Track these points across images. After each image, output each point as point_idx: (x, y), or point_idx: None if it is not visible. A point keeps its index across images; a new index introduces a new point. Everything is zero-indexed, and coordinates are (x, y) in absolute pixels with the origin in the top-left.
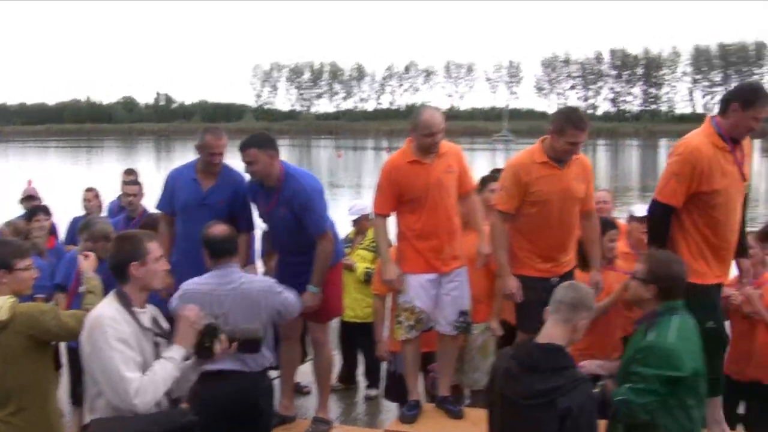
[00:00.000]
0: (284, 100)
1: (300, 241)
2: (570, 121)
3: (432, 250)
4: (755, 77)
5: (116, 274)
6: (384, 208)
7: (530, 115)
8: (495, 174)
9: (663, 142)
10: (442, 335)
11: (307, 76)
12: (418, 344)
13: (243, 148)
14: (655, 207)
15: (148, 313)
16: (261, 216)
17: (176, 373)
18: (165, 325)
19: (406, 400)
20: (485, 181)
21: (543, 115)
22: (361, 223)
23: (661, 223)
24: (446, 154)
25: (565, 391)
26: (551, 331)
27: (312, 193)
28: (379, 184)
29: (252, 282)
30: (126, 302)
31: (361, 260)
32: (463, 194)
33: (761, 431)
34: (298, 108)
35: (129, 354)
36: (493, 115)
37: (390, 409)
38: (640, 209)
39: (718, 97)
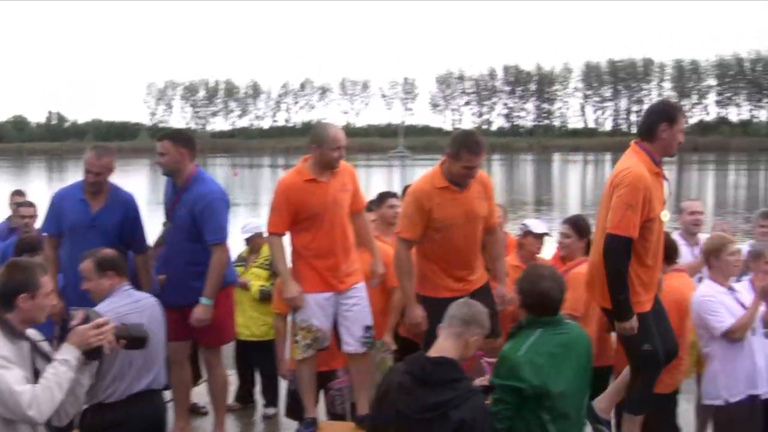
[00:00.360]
0: (179, 118)
1: (193, 249)
2: (465, 145)
3: (328, 269)
4: (643, 92)
5: (2, 301)
6: (279, 227)
7: (426, 131)
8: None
9: (556, 157)
10: (352, 355)
11: (202, 93)
12: (313, 363)
13: (159, 139)
14: (614, 241)
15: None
16: (165, 214)
17: (71, 374)
18: (47, 348)
19: None
20: (383, 197)
21: (439, 131)
22: (254, 242)
23: (622, 256)
24: (341, 172)
25: (458, 403)
26: (443, 345)
27: (217, 200)
28: (274, 203)
29: (147, 297)
30: (8, 330)
31: (255, 278)
32: (355, 212)
33: None
34: (193, 126)
35: (15, 371)
36: (389, 131)
37: (289, 428)
38: (537, 225)
39: (608, 112)
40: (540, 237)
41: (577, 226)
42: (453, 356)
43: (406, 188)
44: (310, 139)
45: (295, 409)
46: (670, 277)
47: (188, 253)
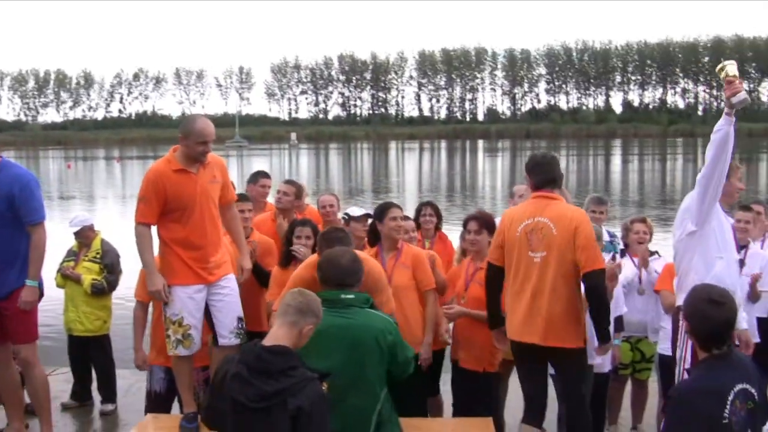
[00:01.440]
0: (8, 109)
1: (5, 236)
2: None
3: (198, 261)
4: (477, 81)
5: None
6: (148, 217)
7: (262, 120)
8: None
9: (393, 145)
10: (223, 347)
11: (31, 84)
12: (190, 359)
13: None
14: (600, 276)
15: None
16: None
17: None
18: None
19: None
20: (257, 176)
21: (275, 121)
22: (84, 235)
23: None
24: (211, 164)
25: (295, 391)
26: (278, 333)
27: (32, 181)
28: (142, 192)
29: None
30: None
31: (87, 272)
32: (224, 205)
33: None
34: (23, 118)
35: None
36: (225, 121)
37: (128, 423)
38: (355, 210)
39: (443, 101)
40: (361, 219)
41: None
42: (287, 344)
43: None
44: (179, 130)
45: (154, 410)
46: None
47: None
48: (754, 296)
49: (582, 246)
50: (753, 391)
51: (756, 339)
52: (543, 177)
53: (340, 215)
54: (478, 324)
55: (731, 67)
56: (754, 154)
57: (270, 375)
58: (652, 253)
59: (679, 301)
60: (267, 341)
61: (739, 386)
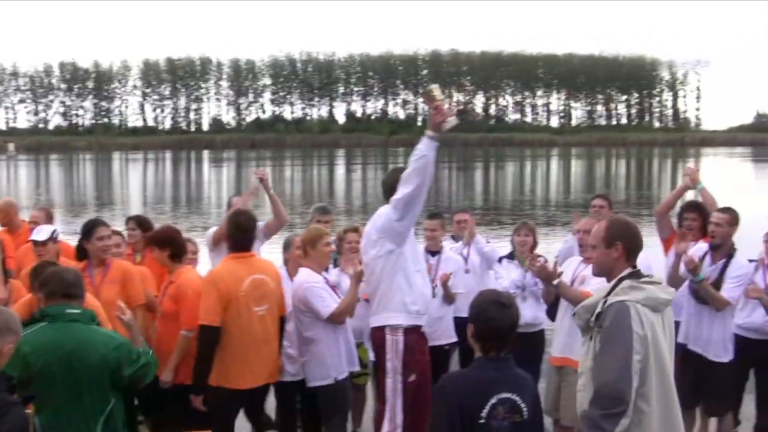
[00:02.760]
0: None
1: None
2: None
3: None
4: (202, 91)
5: None
6: None
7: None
8: None
9: (116, 155)
10: None
11: None
12: None
13: None
14: None
15: None
16: None
17: None
18: None
19: None
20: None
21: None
22: None
23: None
24: None
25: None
26: None
27: None
28: None
29: None
30: None
31: None
32: None
33: None
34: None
35: None
36: None
37: None
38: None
39: (167, 110)
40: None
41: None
42: None
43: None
44: None
45: None
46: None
47: None
48: (448, 297)
49: None
50: (522, 405)
51: (454, 338)
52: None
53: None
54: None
55: (438, 91)
56: (470, 163)
57: None
58: None
59: (385, 320)
60: None
61: (505, 395)
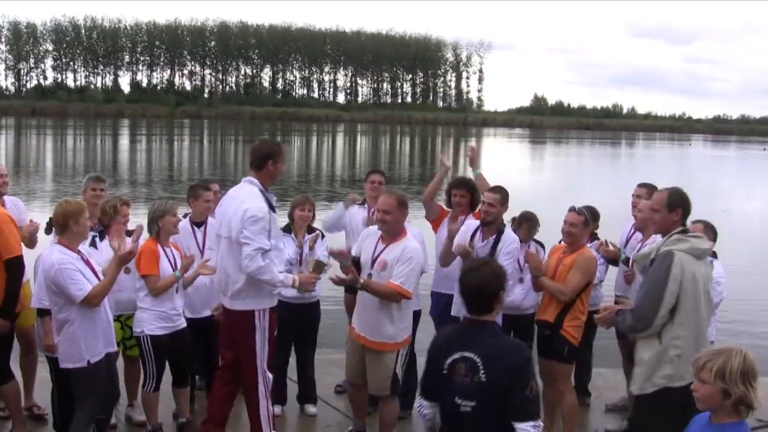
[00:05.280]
0: None
1: None
2: None
3: None
4: None
5: None
6: None
7: None
8: None
9: None
10: None
11: None
12: None
13: None
14: None
15: None
16: None
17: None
18: None
19: None
20: None
21: None
22: None
23: None
24: None
25: None
26: None
27: None
28: None
29: None
30: None
31: None
32: None
33: None
34: None
35: None
36: None
37: None
38: None
39: None
40: None
41: None
42: None
43: None
44: None
45: None
46: None
47: None
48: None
49: None
50: (479, 364)
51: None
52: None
53: None
54: None
55: (323, 268)
56: (256, 137)
57: None
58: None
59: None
60: None
61: (462, 353)
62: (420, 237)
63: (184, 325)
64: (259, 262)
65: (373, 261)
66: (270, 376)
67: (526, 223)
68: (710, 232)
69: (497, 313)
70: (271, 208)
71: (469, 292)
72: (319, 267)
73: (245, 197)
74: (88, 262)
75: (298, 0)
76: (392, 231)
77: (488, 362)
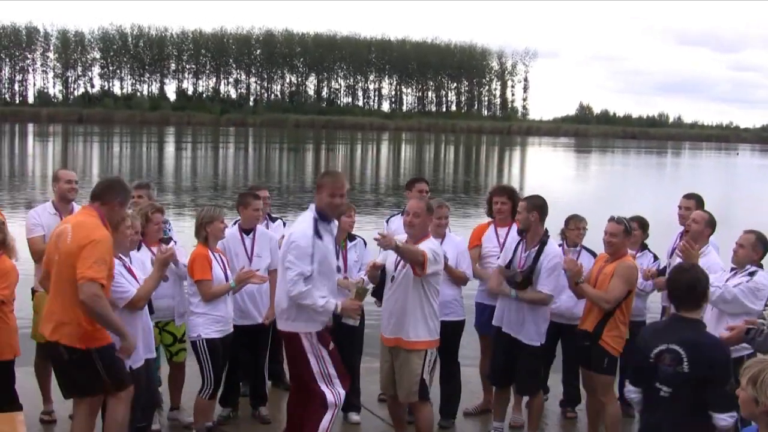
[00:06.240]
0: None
1: None
2: None
3: None
4: (28, 62)
5: None
6: None
7: None
8: None
9: None
10: None
11: None
12: None
13: None
14: None
15: None
16: None
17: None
18: None
19: None
20: None
21: None
22: None
23: None
24: None
25: None
26: None
27: None
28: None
29: None
30: None
31: None
32: None
33: None
34: None
35: None
36: None
37: None
38: None
39: None
40: None
41: None
42: None
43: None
44: None
45: None
46: None
47: None
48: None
49: None
50: (683, 356)
51: None
52: None
53: None
54: None
55: (365, 295)
56: (301, 144)
57: None
58: None
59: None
60: None
61: (666, 345)
62: (463, 245)
63: (232, 330)
64: (301, 288)
65: (397, 264)
66: (342, 392)
67: (573, 221)
68: (760, 243)
69: (702, 311)
70: (318, 235)
71: (681, 291)
72: (362, 293)
73: (296, 223)
74: (129, 270)
75: (344, 8)
76: (418, 234)
77: (692, 355)
